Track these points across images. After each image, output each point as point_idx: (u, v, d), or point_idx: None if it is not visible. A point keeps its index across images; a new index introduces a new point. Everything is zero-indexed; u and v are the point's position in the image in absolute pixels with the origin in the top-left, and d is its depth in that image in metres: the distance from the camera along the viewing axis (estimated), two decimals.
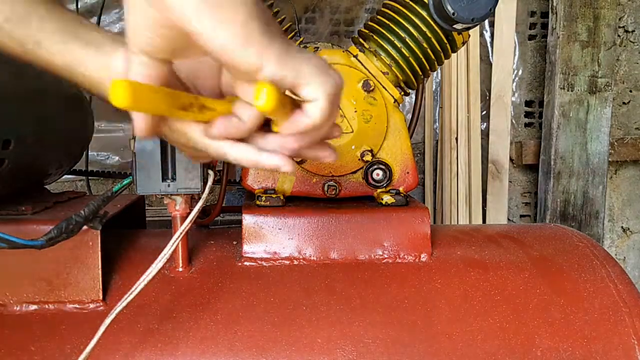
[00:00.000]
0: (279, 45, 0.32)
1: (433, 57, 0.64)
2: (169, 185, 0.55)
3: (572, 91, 1.68)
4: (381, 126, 0.64)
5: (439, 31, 0.62)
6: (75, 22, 0.41)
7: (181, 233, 0.53)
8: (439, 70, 1.72)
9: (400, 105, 0.67)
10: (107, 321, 0.49)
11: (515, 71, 1.79)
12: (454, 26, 0.60)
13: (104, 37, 0.41)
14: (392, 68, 0.65)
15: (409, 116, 0.75)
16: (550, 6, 1.72)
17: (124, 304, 0.50)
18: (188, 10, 0.30)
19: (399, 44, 0.63)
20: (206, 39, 0.30)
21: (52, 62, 0.39)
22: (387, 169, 0.64)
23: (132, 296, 0.50)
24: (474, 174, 1.72)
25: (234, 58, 0.31)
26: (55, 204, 0.66)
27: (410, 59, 0.64)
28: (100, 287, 0.56)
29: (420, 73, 0.66)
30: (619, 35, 1.77)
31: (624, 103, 1.82)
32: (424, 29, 0.62)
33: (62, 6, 0.41)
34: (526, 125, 1.83)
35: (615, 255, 1.89)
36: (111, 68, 0.39)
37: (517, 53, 1.78)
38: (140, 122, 0.35)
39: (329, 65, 0.36)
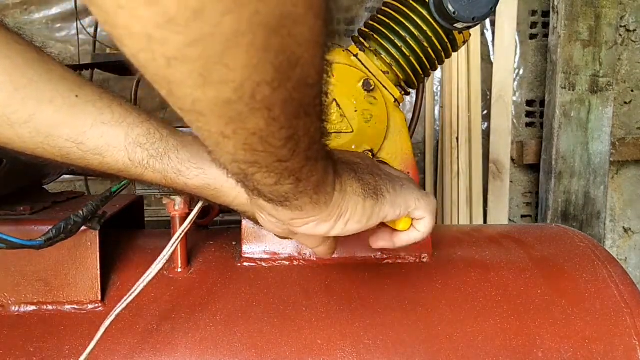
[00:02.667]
0: (389, 197, 0.42)
1: (434, 56, 0.64)
2: None
3: (573, 91, 1.67)
4: (381, 126, 0.64)
5: (439, 30, 0.62)
6: (199, 143, 0.45)
7: (181, 234, 0.53)
8: (439, 70, 1.71)
9: (401, 104, 0.67)
10: (107, 322, 0.49)
11: (517, 70, 1.79)
12: (455, 25, 0.59)
13: None
14: (393, 67, 0.64)
15: (410, 116, 0.75)
16: (551, 5, 1.71)
17: (124, 305, 0.50)
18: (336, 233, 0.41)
19: (399, 43, 0.63)
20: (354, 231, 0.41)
21: (190, 185, 0.46)
22: None
23: (131, 297, 0.50)
24: (474, 173, 1.71)
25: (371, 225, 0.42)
26: (53, 204, 0.65)
27: (411, 58, 0.63)
28: (99, 287, 0.55)
29: (421, 72, 0.65)
30: (620, 35, 1.77)
31: (625, 103, 1.82)
32: (425, 28, 0.61)
33: (184, 133, 0.47)
34: (527, 124, 1.83)
35: (617, 255, 1.88)
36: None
37: (518, 52, 1.78)
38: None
39: (417, 185, 0.46)
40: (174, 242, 0.53)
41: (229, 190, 0.46)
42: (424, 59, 0.64)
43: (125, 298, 0.50)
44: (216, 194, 0.47)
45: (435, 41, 0.62)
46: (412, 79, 0.65)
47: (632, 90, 1.81)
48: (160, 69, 0.23)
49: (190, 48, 0.21)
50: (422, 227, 0.46)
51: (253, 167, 0.31)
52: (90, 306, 0.55)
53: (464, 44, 0.67)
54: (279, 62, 0.23)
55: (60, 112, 0.43)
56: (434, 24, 0.61)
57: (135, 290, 0.50)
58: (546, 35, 1.76)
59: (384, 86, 0.64)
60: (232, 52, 0.22)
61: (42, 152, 0.44)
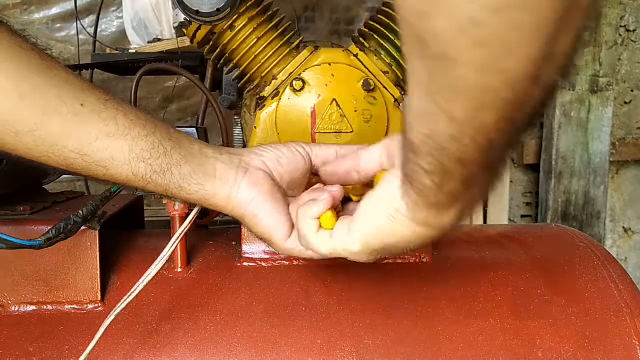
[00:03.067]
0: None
1: None
2: None
3: (573, 91, 1.67)
4: (381, 126, 0.64)
5: None
6: (201, 156, 0.48)
7: (181, 234, 0.53)
8: None
9: (401, 104, 0.67)
10: (107, 322, 0.49)
11: None
12: None
13: (225, 164, 0.48)
14: (393, 67, 0.64)
15: None
16: None
17: (124, 305, 0.50)
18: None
19: (399, 43, 0.63)
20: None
21: (190, 199, 0.48)
22: None
23: (131, 297, 0.50)
24: None
25: None
26: (53, 204, 0.65)
27: None
28: (99, 287, 0.55)
29: None
30: (620, 35, 1.76)
31: (625, 103, 1.82)
32: None
33: (188, 140, 0.48)
34: None
35: (617, 255, 1.88)
36: (232, 196, 0.47)
37: None
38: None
39: None
40: (174, 242, 0.53)
41: (225, 207, 0.48)
42: None
43: (125, 298, 0.50)
44: (215, 208, 0.49)
45: None
46: None
47: (632, 90, 1.81)
48: (459, 49, 0.24)
49: (502, 32, 0.23)
50: None
51: (465, 167, 0.31)
52: (90, 306, 0.55)
53: None
54: (545, 59, 0.25)
55: (66, 122, 0.43)
56: None
57: (135, 290, 0.50)
58: None
59: (384, 86, 0.64)
60: (531, 41, 0.23)
61: (47, 160, 0.44)
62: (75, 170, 0.45)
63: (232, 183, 0.47)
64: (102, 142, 0.44)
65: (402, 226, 0.39)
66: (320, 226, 0.44)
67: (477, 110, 0.27)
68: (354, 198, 0.52)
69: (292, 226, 0.48)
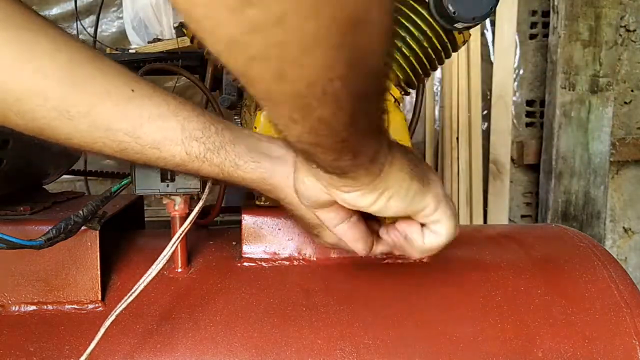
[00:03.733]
0: (433, 187, 0.42)
1: (434, 56, 0.64)
2: (167, 186, 0.55)
3: (573, 91, 1.67)
4: None
5: (439, 30, 0.61)
6: (253, 138, 0.48)
7: (181, 234, 0.53)
8: (439, 70, 1.71)
9: (401, 104, 0.67)
10: (107, 323, 0.49)
11: (517, 70, 1.79)
12: (455, 25, 0.59)
13: (281, 147, 0.48)
14: (393, 67, 0.64)
15: (410, 116, 0.75)
16: (551, 5, 1.71)
17: (124, 305, 0.50)
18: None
19: (399, 43, 0.63)
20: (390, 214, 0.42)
21: (247, 179, 0.47)
22: None
23: (132, 298, 0.50)
24: (474, 173, 1.72)
25: (405, 214, 0.43)
26: (53, 204, 0.65)
27: (411, 58, 0.63)
28: (99, 287, 0.55)
29: (421, 72, 0.65)
30: (620, 35, 1.77)
31: (625, 103, 1.82)
32: (425, 27, 0.61)
33: (238, 127, 0.49)
34: (527, 124, 1.83)
35: (617, 255, 1.88)
36: (290, 176, 0.46)
37: (518, 52, 1.78)
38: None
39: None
40: (175, 242, 0.53)
41: (284, 188, 0.48)
42: (423, 59, 0.64)
43: (125, 298, 0.50)
44: (272, 189, 0.48)
45: (435, 41, 0.62)
46: (412, 79, 0.65)
47: (632, 90, 1.81)
48: (240, 67, 0.25)
49: (269, 50, 0.23)
50: (442, 230, 0.44)
51: (316, 148, 0.33)
52: (90, 306, 0.55)
53: (463, 44, 0.67)
54: (351, 58, 0.25)
55: (118, 105, 0.43)
56: (434, 24, 0.61)
57: (136, 290, 0.50)
58: (546, 35, 1.76)
59: None
60: (308, 53, 0.24)
61: (101, 147, 0.45)
62: (129, 156, 0.46)
63: (292, 163, 0.46)
64: (154, 123, 0.44)
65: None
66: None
67: (307, 109, 0.28)
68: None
69: (343, 214, 0.47)
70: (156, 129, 0.44)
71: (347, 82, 0.26)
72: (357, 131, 0.32)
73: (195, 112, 0.46)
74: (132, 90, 0.44)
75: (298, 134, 0.31)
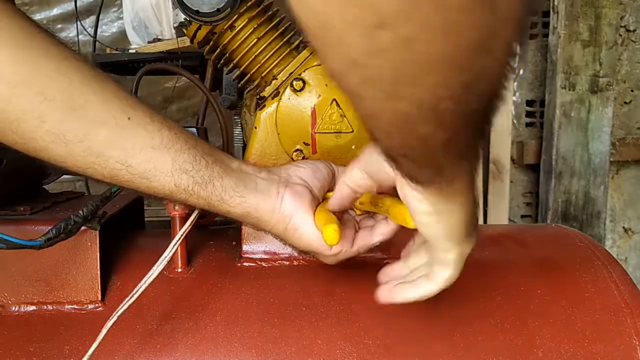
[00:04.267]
0: (466, 244, 0.42)
1: None
2: None
3: (573, 91, 1.67)
4: None
5: None
6: (241, 172, 0.50)
7: (182, 234, 0.53)
8: None
9: None
10: (109, 324, 0.49)
11: (516, 70, 1.79)
12: None
13: (265, 180, 0.50)
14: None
15: None
16: (551, 5, 1.71)
17: (126, 306, 0.50)
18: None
19: None
20: (426, 233, 0.41)
21: (232, 212, 0.49)
22: None
23: (133, 298, 0.50)
24: None
25: (434, 242, 0.42)
26: (53, 204, 0.65)
27: None
28: (99, 287, 0.55)
29: None
30: (620, 35, 1.76)
31: (625, 103, 1.82)
32: None
33: (227, 157, 0.50)
34: (527, 124, 1.83)
35: (617, 255, 1.88)
36: (276, 209, 0.49)
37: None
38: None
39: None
40: (176, 243, 0.53)
41: (268, 220, 0.49)
42: None
43: (127, 299, 0.50)
44: (256, 222, 0.50)
45: None
46: None
47: (632, 90, 1.81)
48: (353, 87, 0.25)
49: (386, 72, 0.23)
50: (440, 278, 0.45)
51: (404, 158, 0.33)
52: (90, 306, 0.55)
53: None
54: (471, 80, 0.24)
55: (112, 133, 0.44)
56: None
57: (137, 290, 0.50)
58: (546, 35, 1.76)
59: None
60: (429, 74, 0.23)
61: (93, 172, 0.46)
62: (119, 183, 0.47)
63: (275, 196, 0.49)
64: (146, 153, 0.45)
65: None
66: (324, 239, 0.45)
67: (409, 126, 0.27)
68: (356, 211, 0.53)
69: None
70: (148, 160, 0.45)
71: (458, 102, 0.25)
72: (450, 152, 0.31)
73: (188, 145, 0.47)
74: (129, 119, 0.45)
75: (390, 146, 0.31)
